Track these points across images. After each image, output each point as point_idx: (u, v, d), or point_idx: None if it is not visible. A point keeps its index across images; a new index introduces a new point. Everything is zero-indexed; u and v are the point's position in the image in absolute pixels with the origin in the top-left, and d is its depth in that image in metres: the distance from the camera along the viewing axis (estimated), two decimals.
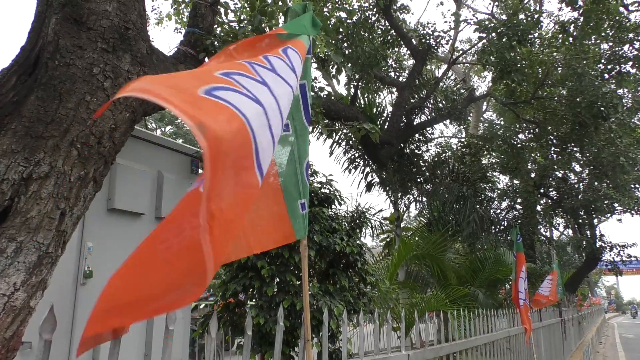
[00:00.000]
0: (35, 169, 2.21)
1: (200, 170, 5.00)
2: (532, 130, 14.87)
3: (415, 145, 13.62)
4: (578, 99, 11.11)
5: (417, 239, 11.96)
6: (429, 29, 11.28)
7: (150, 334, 4.24)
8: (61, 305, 3.53)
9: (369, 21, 11.27)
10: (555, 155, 13.99)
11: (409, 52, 12.74)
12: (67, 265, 3.60)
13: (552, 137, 13.72)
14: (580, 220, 16.76)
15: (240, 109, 1.34)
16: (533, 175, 15.47)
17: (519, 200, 15.49)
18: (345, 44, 10.32)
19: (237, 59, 1.93)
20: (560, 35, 11.01)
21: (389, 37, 11.70)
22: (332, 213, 6.38)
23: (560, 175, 15.69)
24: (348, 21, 9.87)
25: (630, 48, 10.66)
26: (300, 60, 2.08)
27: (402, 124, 11.46)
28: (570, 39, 10.89)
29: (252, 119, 1.36)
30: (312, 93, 6.74)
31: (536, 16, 10.67)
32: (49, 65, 2.43)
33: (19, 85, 2.43)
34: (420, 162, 13.47)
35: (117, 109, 2.59)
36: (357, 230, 7.04)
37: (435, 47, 11.21)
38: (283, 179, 2.37)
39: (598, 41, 11.45)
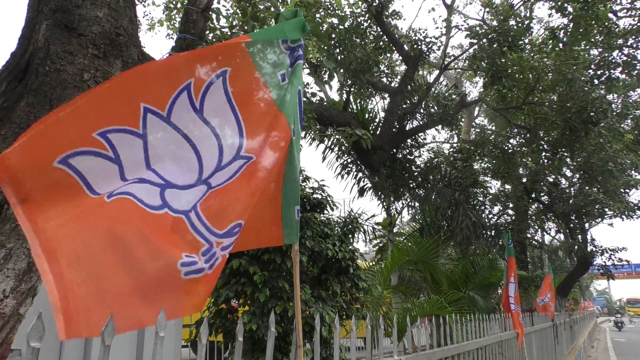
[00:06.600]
0: None
1: None
2: (523, 136, 14.96)
3: (407, 150, 13.66)
4: (568, 105, 11.20)
5: (410, 244, 11.97)
6: (421, 35, 11.34)
7: (142, 340, 4.22)
8: (51, 312, 3.50)
9: (361, 27, 11.31)
10: (546, 160, 14.07)
11: (401, 57, 12.79)
12: None
13: (543, 142, 13.81)
14: (572, 225, 16.86)
15: (80, 169, 1.64)
16: (524, 180, 15.56)
17: (510, 205, 15.57)
18: (338, 50, 10.36)
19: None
20: (551, 41, 11.11)
21: (381, 43, 11.76)
22: (325, 218, 6.37)
23: (551, 180, 15.78)
24: (340, 27, 9.91)
25: (620, 54, 10.77)
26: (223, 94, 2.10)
27: (394, 130, 11.49)
28: (560, 44, 10.99)
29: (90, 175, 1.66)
30: (305, 99, 6.75)
31: (526, 22, 10.78)
32: (40, 71, 2.43)
33: (9, 92, 2.42)
34: (413, 167, 13.51)
35: None
36: (350, 236, 7.04)
37: (427, 53, 11.27)
38: (284, 184, 2.35)
39: (588, 47, 11.56)
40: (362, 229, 12.17)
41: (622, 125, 13.17)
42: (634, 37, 10.48)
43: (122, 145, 1.74)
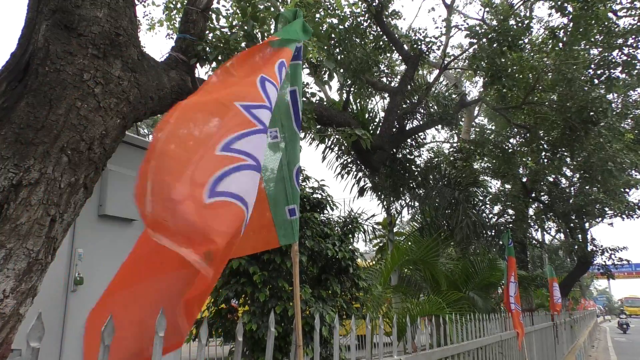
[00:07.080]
0: (25, 176, 2.20)
1: None
2: (523, 135, 14.96)
3: (407, 150, 13.65)
4: (568, 104, 11.20)
5: (410, 243, 11.98)
6: (421, 34, 11.33)
7: None
8: (51, 313, 3.50)
9: (361, 27, 11.30)
10: (546, 160, 14.08)
11: (400, 57, 12.79)
12: (58, 272, 3.57)
13: (542, 142, 13.81)
14: (572, 225, 16.87)
15: (241, 195, 1.62)
16: (525, 180, 15.56)
17: (511, 205, 15.58)
18: (338, 50, 10.35)
19: (235, 76, 2.06)
20: (550, 41, 11.10)
21: (381, 43, 11.74)
22: (325, 218, 6.38)
23: (551, 179, 15.78)
24: (340, 27, 9.90)
25: (620, 53, 10.75)
26: (285, 70, 2.21)
27: (394, 129, 11.49)
28: (560, 44, 10.98)
29: (247, 194, 1.66)
30: (304, 99, 6.75)
31: (526, 22, 10.76)
32: (39, 71, 2.43)
33: (8, 92, 2.42)
34: (413, 167, 13.50)
35: (107, 115, 2.58)
36: (350, 236, 7.04)
37: (427, 53, 11.25)
38: (270, 185, 2.37)
39: (587, 47, 11.55)
40: (362, 229, 12.15)
41: (622, 125, 13.16)
42: (634, 36, 10.47)
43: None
